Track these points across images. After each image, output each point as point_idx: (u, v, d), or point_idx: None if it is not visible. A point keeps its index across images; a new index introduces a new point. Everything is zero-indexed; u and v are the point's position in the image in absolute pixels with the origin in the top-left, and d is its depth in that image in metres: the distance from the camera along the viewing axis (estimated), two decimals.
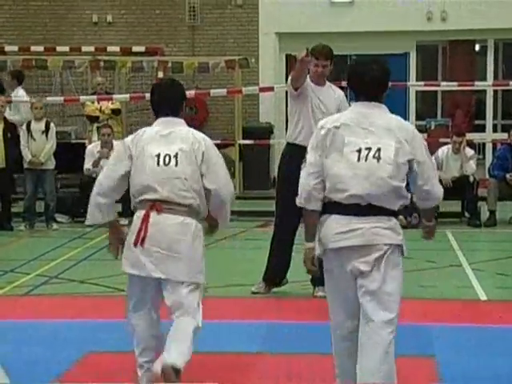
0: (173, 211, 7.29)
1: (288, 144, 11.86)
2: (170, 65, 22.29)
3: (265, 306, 11.74)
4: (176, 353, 7.00)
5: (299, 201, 6.65)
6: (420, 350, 9.11)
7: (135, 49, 22.54)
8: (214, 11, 22.41)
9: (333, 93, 11.92)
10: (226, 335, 10.14)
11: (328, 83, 12.01)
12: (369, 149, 6.33)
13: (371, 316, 6.32)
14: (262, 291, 11.94)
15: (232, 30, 21.70)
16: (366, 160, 6.32)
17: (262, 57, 22.16)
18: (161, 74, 22.27)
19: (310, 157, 6.59)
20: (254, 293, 12.04)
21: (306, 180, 6.56)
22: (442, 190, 6.72)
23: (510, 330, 10.08)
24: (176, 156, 7.36)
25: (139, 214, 7.43)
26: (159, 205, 7.24)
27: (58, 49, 22.44)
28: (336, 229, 6.34)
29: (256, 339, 10.14)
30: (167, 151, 7.34)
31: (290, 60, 22.45)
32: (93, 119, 19.83)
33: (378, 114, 6.60)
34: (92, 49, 22.27)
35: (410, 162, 6.39)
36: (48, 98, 19.81)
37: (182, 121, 7.44)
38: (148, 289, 7.46)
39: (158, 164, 7.20)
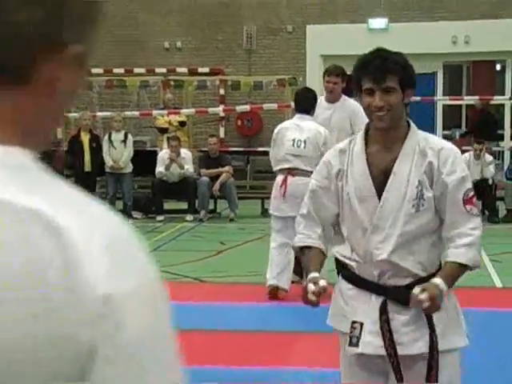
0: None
1: None
2: (229, 83, 22.39)
3: None
4: None
5: None
6: None
7: (200, 70, 22.67)
8: (267, 37, 22.44)
9: (344, 108, 11.55)
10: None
11: (343, 98, 11.66)
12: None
13: None
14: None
15: (283, 53, 21.73)
16: None
17: (308, 76, 22.07)
18: (222, 91, 22.41)
19: None
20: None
21: None
22: None
23: None
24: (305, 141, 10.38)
25: (278, 179, 10.61)
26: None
27: (136, 70, 22.64)
28: None
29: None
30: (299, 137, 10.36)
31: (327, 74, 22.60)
32: (163, 130, 19.91)
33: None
34: (164, 70, 22.43)
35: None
36: (126, 113, 19.96)
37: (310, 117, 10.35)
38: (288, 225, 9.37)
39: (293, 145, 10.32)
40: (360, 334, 4.23)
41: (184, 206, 18.06)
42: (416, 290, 3.98)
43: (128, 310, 1.43)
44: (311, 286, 4.08)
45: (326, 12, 22.14)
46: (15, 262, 1.32)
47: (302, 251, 4.52)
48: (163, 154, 17.94)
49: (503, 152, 20.47)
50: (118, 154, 18.39)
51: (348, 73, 12.53)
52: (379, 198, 4.19)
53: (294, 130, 10.74)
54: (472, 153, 17.92)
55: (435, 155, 4.15)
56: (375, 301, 4.23)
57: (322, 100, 11.60)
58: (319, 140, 10.46)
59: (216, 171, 18.25)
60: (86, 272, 1.36)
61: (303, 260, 4.55)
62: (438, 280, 4.07)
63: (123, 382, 1.47)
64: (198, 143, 21.05)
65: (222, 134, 22.09)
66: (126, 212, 17.49)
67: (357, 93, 4.45)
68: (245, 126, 22.77)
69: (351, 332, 4.26)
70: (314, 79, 21.83)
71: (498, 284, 11.91)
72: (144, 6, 23.11)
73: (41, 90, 1.44)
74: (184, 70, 22.58)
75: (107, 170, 18.53)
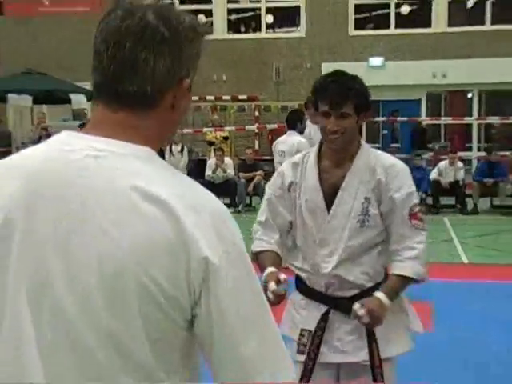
0: None
1: None
2: (262, 107, 22.51)
3: None
4: None
5: None
6: (414, 295, 9.10)
7: (240, 97, 22.74)
8: (292, 71, 22.49)
9: None
10: None
11: None
12: None
13: None
14: None
15: (303, 83, 21.71)
16: None
17: None
18: (256, 113, 22.50)
19: None
20: None
21: None
22: None
23: (485, 283, 9.98)
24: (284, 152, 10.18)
25: None
26: None
27: (192, 97, 22.70)
28: None
29: None
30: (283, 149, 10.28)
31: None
32: (211, 143, 20.04)
33: None
34: (212, 97, 22.50)
35: None
36: (183, 130, 20.08)
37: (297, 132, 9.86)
38: None
39: None
40: (308, 341, 3.71)
41: (227, 201, 18.16)
42: (355, 305, 3.42)
43: (222, 267, 1.57)
44: (272, 285, 3.41)
45: (336, 53, 22.10)
46: (154, 232, 1.55)
47: (257, 256, 3.76)
48: (211, 161, 18.18)
49: (471, 160, 20.40)
50: (177, 161, 18.56)
51: None
52: (328, 211, 3.62)
53: (281, 144, 10.84)
54: (447, 161, 17.99)
55: (384, 172, 3.60)
56: (323, 310, 3.68)
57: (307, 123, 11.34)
58: (292, 150, 9.83)
59: (251, 175, 18.39)
60: (195, 239, 1.55)
61: (259, 263, 3.70)
62: (380, 294, 3.49)
63: (222, 324, 1.59)
64: (238, 153, 21.09)
65: (256, 146, 22.13)
66: None
67: (313, 110, 3.87)
68: (274, 140, 22.67)
69: (299, 339, 3.72)
70: None
71: (465, 260, 11.96)
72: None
73: (163, 113, 1.71)
74: (227, 97, 22.68)
75: None
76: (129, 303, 1.56)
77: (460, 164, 18.00)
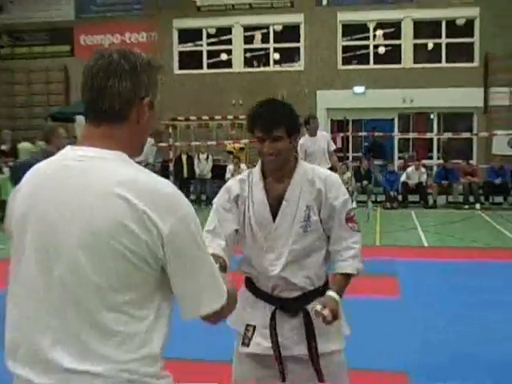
0: None
1: None
2: None
3: None
4: None
5: None
6: (386, 272, 9.08)
7: None
8: (293, 98, 22.26)
9: (319, 137, 11.72)
10: None
11: (319, 133, 11.88)
12: None
13: None
14: None
15: (302, 106, 21.64)
16: None
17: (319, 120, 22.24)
18: None
19: None
20: None
21: None
22: None
23: (441, 262, 10.11)
24: None
25: None
26: None
27: (215, 117, 22.70)
28: None
29: None
30: None
31: (332, 122, 22.86)
32: (230, 152, 20.23)
33: None
34: (231, 117, 22.52)
35: None
36: (208, 142, 20.26)
37: None
38: None
39: None
40: (252, 335, 3.41)
41: None
42: (318, 306, 3.11)
43: (172, 233, 1.82)
44: None
45: (328, 83, 22.21)
46: (118, 211, 1.81)
47: None
48: (230, 167, 18.42)
49: (432, 166, 20.52)
50: (203, 166, 18.87)
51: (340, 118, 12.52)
52: (274, 221, 3.31)
53: None
54: (414, 167, 18.18)
55: (322, 183, 3.32)
56: (268, 309, 3.36)
57: (306, 136, 11.68)
58: None
59: None
60: (148, 214, 1.80)
61: None
62: (333, 293, 3.20)
63: (183, 266, 1.87)
64: (251, 160, 21.06)
65: None
66: (208, 201, 17.80)
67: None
68: None
69: (244, 334, 3.41)
70: (321, 122, 21.98)
71: (426, 244, 12.07)
72: (221, 79, 23.38)
73: (132, 125, 1.95)
74: (243, 116, 22.68)
75: (196, 176, 18.98)
76: (105, 261, 1.80)
77: (423, 169, 18.25)
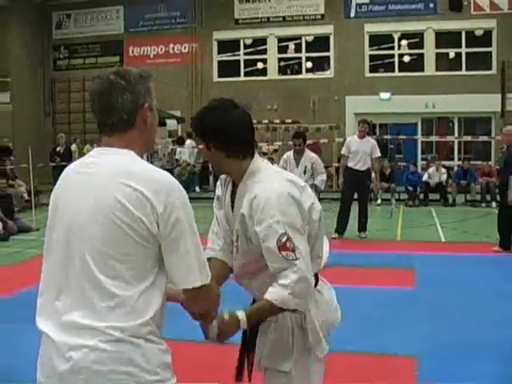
0: None
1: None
2: (302, 128, 22.61)
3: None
4: None
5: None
6: (404, 265, 9.11)
7: (286, 120, 22.77)
8: (324, 102, 22.49)
9: (365, 141, 11.65)
10: None
11: (367, 138, 11.75)
12: None
13: None
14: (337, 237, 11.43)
15: (333, 111, 21.86)
16: None
17: (347, 124, 22.22)
18: None
19: None
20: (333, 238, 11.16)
21: None
22: None
23: (457, 255, 9.99)
24: None
25: None
26: None
27: (253, 121, 22.87)
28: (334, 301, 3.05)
29: None
30: None
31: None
32: (264, 154, 20.23)
33: None
34: (266, 121, 22.45)
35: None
36: None
37: None
38: None
39: None
40: None
41: None
42: (214, 322, 2.41)
43: (172, 212, 1.99)
44: (214, 324, 2.47)
45: (356, 89, 22.16)
46: (123, 193, 2.03)
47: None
48: None
49: (452, 167, 20.35)
50: None
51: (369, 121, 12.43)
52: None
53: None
54: (434, 167, 18.07)
55: (247, 205, 2.57)
56: None
57: (354, 137, 11.88)
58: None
59: None
60: (148, 198, 1.99)
61: None
62: (240, 313, 2.50)
63: (175, 241, 2.00)
64: None
65: None
66: None
67: None
68: (314, 151, 22.76)
69: None
70: (350, 126, 22.03)
71: (443, 239, 11.98)
72: (257, 86, 23.43)
73: (140, 127, 2.17)
74: (277, 120, 22.71)
75: None
76: (109, 232, 1.99)
77: (443, 170, 18.12)
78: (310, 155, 10.21)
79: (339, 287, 7.86)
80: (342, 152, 11.90)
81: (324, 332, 2.80)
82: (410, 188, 17.86)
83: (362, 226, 11.72)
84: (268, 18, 23.50)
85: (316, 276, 2.76)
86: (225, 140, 2.61)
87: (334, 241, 11.41)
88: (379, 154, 12.00)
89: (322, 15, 22.90)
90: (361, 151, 11.47)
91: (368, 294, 7.52)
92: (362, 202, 11.77)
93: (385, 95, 21.93)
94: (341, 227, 11.69)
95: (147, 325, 1.98)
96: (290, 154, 10.39)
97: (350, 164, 11.54)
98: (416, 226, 13.65)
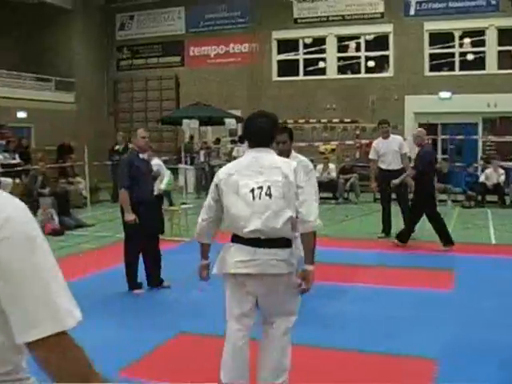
0: None
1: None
2: (360, 128, 22.52)
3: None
4: None
5: (195, 236, 4.40)
6: (445, 266, 8.97)
7: (345, 120, 22.78)
8: (383, 102, 22.35)
9: (390, 140, 11.63)
10: None
11: (391, 137, 11.71)
12: (260, 188, 3.98)
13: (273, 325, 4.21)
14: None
15: (391, 111, 21.49)
16: (259, 198, 3.96)
17: (406, 124, 21.98)
18: (357, 132, 22.46)
19: (207, 201, 4.26)
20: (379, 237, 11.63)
21: (200, 219, 4.28)
22: (314, 217, 4.03)
23: (505, 258, 9.73)
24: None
25: None
26: None
27: (310, 121, 22.94)
28: (237, 257, 4.01)
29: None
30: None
31: (420, 126, 22.41)
32: (322, 153, 20.29)
33: (266, 157, 4.07)
34: (325, 120, 22.65)
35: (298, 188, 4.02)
36: (300, 144, 20.27)
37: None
38: None
39: None
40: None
41: (330, 195, 18.39)
42: (298, 280, 4.05)
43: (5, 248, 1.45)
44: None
45: (415, 88, 21.87)
46: None
47: None
48: (319, 167, 18.31)
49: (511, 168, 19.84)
50: None
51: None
52: None
53: None
54: (492, 168, 17.67)
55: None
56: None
57: (380, 139, 11.79)
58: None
59: (348, 176, 18.61)
60: None
61: None
62: (306, 266, 4.08)
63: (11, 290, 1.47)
64: (340, 161, 21.12)
65: (357, 155, 22.08)
66: None
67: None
68: (369, 152, 22.60)
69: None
70: (409, 126, 21.78)
71: (493, 242, 11.67)
72: (316, 85, 23.43)
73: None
74: (336, 120, 22.72)
75: None
76: None
77: (501, 171, 17.66)
78: (299, 159, 6.35)
79: (373, 287, 7.95)
80: (370, 156, 11.91)
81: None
82: (467, 189, 17.54)
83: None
84: (327, 17, 23.44)
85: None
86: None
87: (378, 241, 11.47)
88: (407, 150, 11.88)
89: (382, 14, 22.67)
90: (389, 151, 11.44)
91: (401, 294, 7.48)
92: (401, 202, 11.64)
93: (445, 94, 21.53)
94: (386, 228, 11.80)
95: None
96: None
97: (383, 166, 11.54)
98: (468, 227, 13.35)
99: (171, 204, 14.13)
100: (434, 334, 5.91)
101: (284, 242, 4.02)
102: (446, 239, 10.49)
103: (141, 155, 7.88)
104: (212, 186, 4.18)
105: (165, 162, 13.69)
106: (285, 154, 5.31)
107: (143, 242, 7.80)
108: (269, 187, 3.96)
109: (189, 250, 10.31)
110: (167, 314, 6.82)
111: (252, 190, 3.97)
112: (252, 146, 4.16)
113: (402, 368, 5.15)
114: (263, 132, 4.13)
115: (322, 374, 4.92)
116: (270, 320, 4.21)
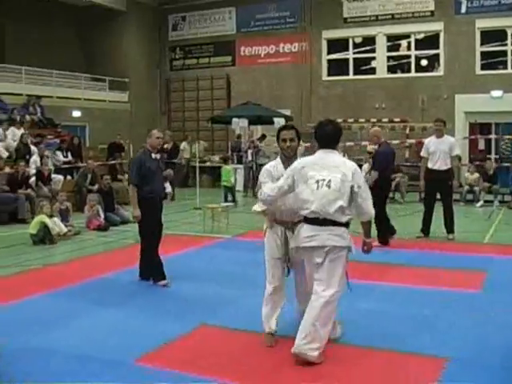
0: None
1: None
2: (409, 127, 22.34)
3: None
4: None
5: (262, 197, 5.32)
6: (477, 267, 8.86)
7: (394, 119, 22.67)
8: (433, 101, 22.15)
9: (443, 140, 11.44)
10: None
11: (445, 137, 11.51)
12: (323, 180, 4.99)
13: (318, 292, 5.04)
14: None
15: (441, 110, 21.20)
16: (321, 188, 4.97)
17: (456, 124, 21.71)
18: (407, 131, 22.28)
19: (279, 183, 5.23)
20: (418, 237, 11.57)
21: (267, 195, 5.27)
22: (372, 211, 5.13)
23: None
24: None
25: None
26: None
27: (359, 120, 22.91)
28: (304, 234, 5.04)
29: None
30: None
31: (471, 125, 22.16)
32: (369, 153, 20.06)
33: (331, 157, 5.07)
34: (374, 120, 22.53)
35: (352, 188, 4.96)
36: (347, 143, 20.24)
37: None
38: None
39: None
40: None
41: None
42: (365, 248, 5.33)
43: None
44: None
45: (466, 87, 21.57)
46: None
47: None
48: (365, 166, 18.10)
49: None
50: None
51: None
52: None
53: None
54: None
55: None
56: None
57: (433, 137, 11.60)
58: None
59: (393, 176, 18.41)
60: None
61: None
62: (364, 238, 5.32)
63: None
64: None
65: (406, 155, 21.95)
66: None
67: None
68: (418, 150, 22.35)
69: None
70: (459, 125, 21.53)
71: None
72: (365, 84, 23.37)
73: None
74: (386, 119, 22.59)
75: None
76: None
77: None
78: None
79: (401, 286, 7.94)
80: (422, 154, 11.77)
81: None
82: None
83: (449, 228, 11.52)
84: (377, 17, 23.33)
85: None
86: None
87: (416, 241, 11.42)
88: (458, 152, 11.72)
89: (432, 12, 22.39)
90: (439, 151, 11.30)
91: (428, 294, 7.44)
92: (445, 202, 11.55)
93: (496, 93, 21.16)
94: (425, 227, 11.67)
95: None
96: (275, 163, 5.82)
97: (430, 165, 11.40)
98: (510, 229, 13.17)
99: (234, 199, 17.25)
100: (453, 335, 5.84)
101: (338, 223, 4.99)
102: (383, 238, 10.81)
103: (153, 155, 8.06)
104: (287, 172, 5.22)
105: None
106: (292, 150, 5.52)
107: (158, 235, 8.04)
108: (329, 180, 4.96)
109: (226, 247, 10.62)
110: (191, 307, 6.91)
111: (317, 181, 4.99)
112: (320, 147, 5.16)
113: (406, 366, 5.09)
114: (328, 137, 5.16)
115: (332, 368, 5.00)
116: (319, 288, 5.04)
